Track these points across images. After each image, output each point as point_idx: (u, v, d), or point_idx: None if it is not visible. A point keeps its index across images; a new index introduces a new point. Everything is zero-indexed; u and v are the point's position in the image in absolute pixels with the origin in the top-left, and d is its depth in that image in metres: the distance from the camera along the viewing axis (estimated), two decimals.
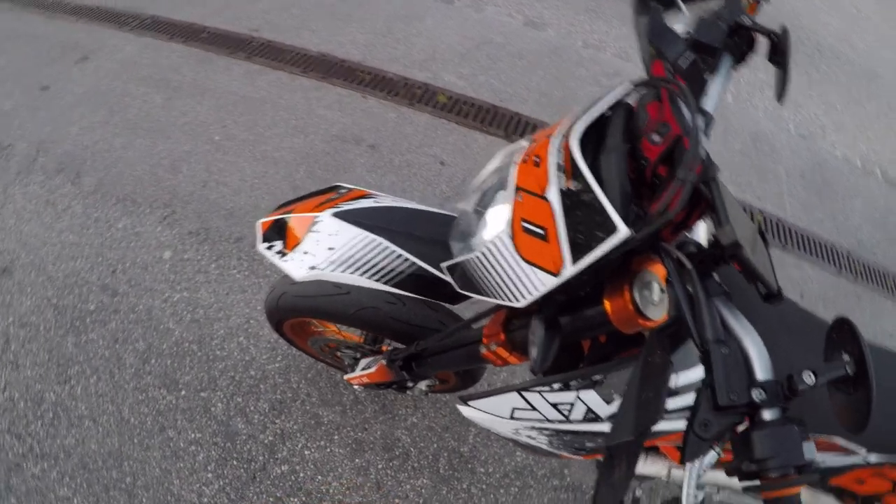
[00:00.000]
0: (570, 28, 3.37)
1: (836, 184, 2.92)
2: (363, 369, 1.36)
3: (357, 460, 1.68)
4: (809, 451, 0.51)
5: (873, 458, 0.93)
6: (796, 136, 3.12)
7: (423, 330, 1.23)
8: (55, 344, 1.82)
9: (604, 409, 0.87)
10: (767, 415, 0.53)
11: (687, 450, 0.53)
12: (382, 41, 3.05)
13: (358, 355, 1.48)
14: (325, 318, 1.30)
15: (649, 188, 0.71)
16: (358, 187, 1.09)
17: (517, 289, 0.72)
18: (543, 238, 0.67)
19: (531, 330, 0.77)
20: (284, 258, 1.02)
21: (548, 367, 0.75)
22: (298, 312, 1.31)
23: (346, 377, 1.48)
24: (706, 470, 0.58)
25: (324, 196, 1.06)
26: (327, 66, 2.84)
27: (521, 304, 0.73)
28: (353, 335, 1.51)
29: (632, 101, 0.76)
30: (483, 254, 0.75)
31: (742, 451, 0.53)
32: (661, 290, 0.65)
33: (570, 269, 0.64)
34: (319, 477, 1.64)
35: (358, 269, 1.00)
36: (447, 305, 1.22)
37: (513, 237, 0.70)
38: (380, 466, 1.68)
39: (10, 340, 1.83)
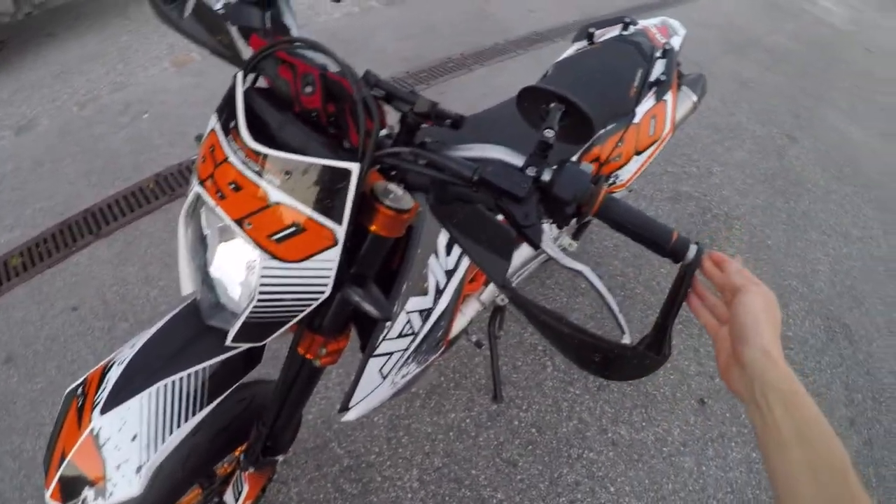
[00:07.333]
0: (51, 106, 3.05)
1: None
2: (238, 501, 1.27)
3: None
4: (587, 168, 0.66)
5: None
6: None
7: (241, 420, 1.18)
8: None
9: (428, 300, 1.00)
10: (546, 175, 0.65)
11: (533, 239, 0.67)
12: None
13: (216, 500, 1.36)
14: None
15: (335, 127, 0.79)
16: (92, 369, 0.95)
17: (313, 286, 0.77)
18: (300, 230, 0.71)
19: (345, 301, 0.84)
20: (107, 495, 0.86)
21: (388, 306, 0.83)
22: None
23: None
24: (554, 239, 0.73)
25: (70, 413, 0.90)
26: None
27: (328, 291, 0.78)
28: (190, 496, 1.37)
29: (262, 83, 0.82)
30: (260, 295, 0.76)
31: (556, 207, 0.66)
32: (398, 186, 0.77)
33: (342, 230, 0.71)
34: None
35: (172, 425, 0.91)
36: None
37: (274, 255, 0.73)
38: None
39: None
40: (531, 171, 0.66)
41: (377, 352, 0.98)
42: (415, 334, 1.02)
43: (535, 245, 0.68)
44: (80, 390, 0.93)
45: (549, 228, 0.67)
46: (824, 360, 2.39)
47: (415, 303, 0.98)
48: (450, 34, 4.01)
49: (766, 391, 0.55)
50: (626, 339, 0.70)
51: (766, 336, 0.58)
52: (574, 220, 0.69)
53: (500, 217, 0.71)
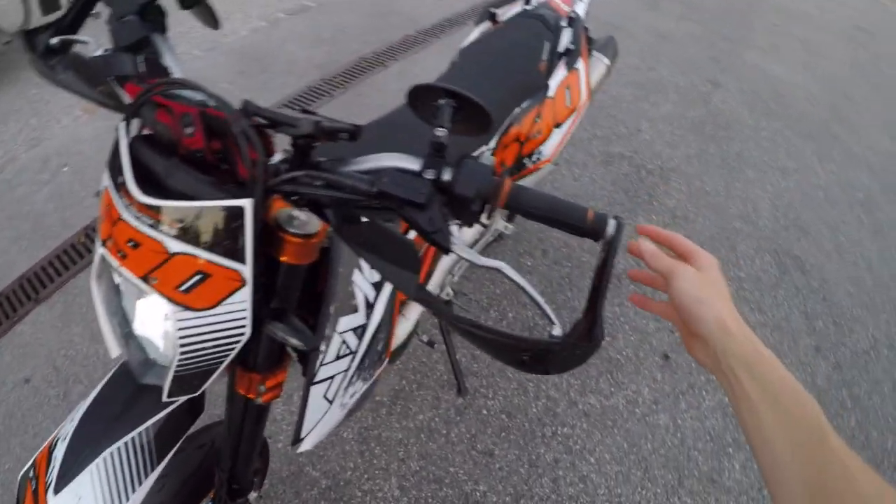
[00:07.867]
0: None
1: None
2: None
3: None
4: (489, 160, 0.65)
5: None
6: None
7: (203, 466, 1.16)
8: None
9: (359, 317, 0.99)
10: (446, 175, 0.64)
11: (442, 245, 0.64)
12: None
13: None
14: None
15: (225, 162, 0.76)
16: (38, 451, 0.93)
17: (232, 330, 0.75)
18: (206, 277, 0.69)
19: (270, 337, 0.82)
20: None
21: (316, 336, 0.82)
22: None
23: None
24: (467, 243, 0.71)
25: (27, 497, 0.86)
26: None
27: (248, 332, 0.76)
28: None
29: (146, 131, 0.78)
30: (181, 347, 0.74)
31: (461, 207, 0.65)
32: (302, 210, 0.75)
33: (248, 268, 0.69)
34: None
35: (127, 490, 0.89)
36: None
37: (186, 305, 0.71)
38: None
39: None
40: (429, 174, 0.65)
41: (317, 378, 0.96)
42: (353, 353, 1.01)
43: (445, 250, 0.65)
44: (31, 473, 0.91)
45: (456, 229, 0.64)
46: (780, 294, 2.45)
47: (346, 322, 0.97)
48: (359, 35, 3.96)
49: (729, 361, 0.56)
50: (557, 330, 0.68)
51: (714, 308, 0.58)
52: (485, 216, 0.67)
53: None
